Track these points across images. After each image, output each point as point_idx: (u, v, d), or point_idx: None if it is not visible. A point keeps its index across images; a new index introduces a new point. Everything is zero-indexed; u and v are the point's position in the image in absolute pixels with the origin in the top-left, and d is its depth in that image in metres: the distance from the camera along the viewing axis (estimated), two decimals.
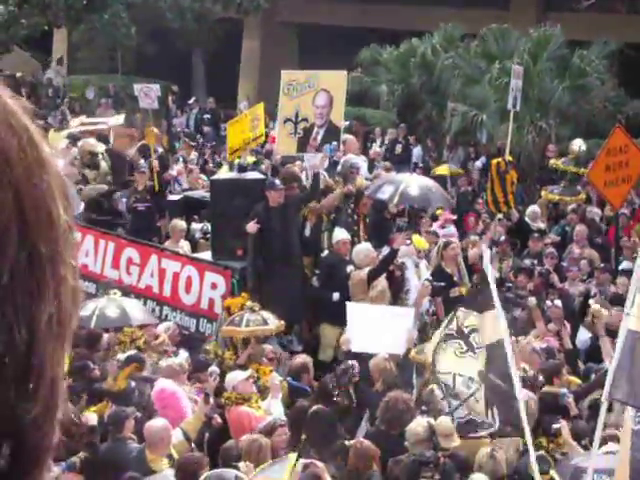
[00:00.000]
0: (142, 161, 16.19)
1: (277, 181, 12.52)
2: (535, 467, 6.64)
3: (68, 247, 0.84)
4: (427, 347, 9.87)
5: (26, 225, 0.79)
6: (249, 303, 10.68)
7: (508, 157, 13.67)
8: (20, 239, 0.79)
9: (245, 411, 8.92)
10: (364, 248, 11.98)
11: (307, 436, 8.38)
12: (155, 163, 15.68)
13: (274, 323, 10.46)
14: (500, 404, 7.22)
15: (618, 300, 12.22)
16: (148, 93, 21.20)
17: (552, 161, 18.32)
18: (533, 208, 16.28)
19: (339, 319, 11.30)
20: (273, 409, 9.08)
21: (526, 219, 15.61)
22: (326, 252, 12.43)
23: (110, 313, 10.65)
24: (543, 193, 17.17)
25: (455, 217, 15.37)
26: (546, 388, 9.27)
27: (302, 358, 10.24)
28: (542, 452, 7.71)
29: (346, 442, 8.19)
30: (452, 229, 14.67)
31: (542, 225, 16.00)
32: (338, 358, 10.94)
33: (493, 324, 7.15)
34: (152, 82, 22.26)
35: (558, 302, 11.59)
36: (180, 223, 14.26)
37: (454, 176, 19.80)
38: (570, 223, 16.06)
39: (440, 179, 18.44)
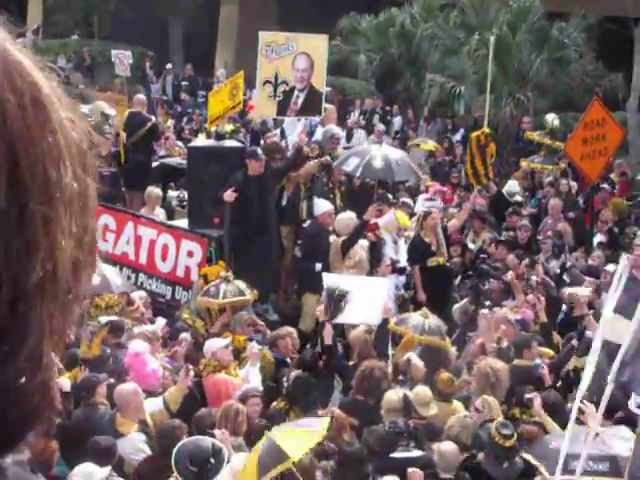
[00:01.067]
0: (107, 127, 16.00)
1: (259, 150, 12.45)
2: None
3: (72, 214, 0.82)
4: (411, 318, 9.96)
5: (19, 182, 0.78)
6: (223, 273, 10.65)
7: (486, 130, 13.65)
8: (9, 193, 0.78)
9: (223, 378, 8.93)
10: (345, 217, 11.96)
11: (290, 401, 8.49)
12: (123, 135, 15.52)
13: (250, 293, 10.45)
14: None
15: (593, 272, 12.34)
16: (122, 60, 21.13)
17: (528, 133, 18.35)
18: (511, 183, 16.35)
19: (321, 289, 11.37)
20: (250, 377, 9.09)
21: (504, 192, 15.68)
22: (309, 222, 12.37)
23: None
24: (524, 163, 17.20)
25: (445, 189, 15.37)
26: (517, 361, 9.34)
27: (285, 329, 10.20)
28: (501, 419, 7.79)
29: (319, 412, 8.24)
30: (438, 202, 14.64)
31: (519, 198, 16.08)
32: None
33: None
34: (128, 48, 22.18)
35: (541, 275, 11.69)
36: (156, 190, 14.21)
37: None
38: (546, 196, 16.14)
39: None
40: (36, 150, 0.80)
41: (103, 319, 9.72)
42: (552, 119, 17.57)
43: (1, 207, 0.77)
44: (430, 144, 19.18)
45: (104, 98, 19.43)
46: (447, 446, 7.55)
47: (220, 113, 14.84)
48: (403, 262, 12.05)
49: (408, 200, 14.44)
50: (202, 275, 11.22)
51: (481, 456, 7.62)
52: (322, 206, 12.25)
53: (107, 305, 10.35)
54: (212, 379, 8.94)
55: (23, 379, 0.80)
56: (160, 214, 13.81)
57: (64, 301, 0.83)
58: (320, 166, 13.08)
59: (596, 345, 6.07)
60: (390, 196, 13.69)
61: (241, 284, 10.47)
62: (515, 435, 7.47)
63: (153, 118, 16.82)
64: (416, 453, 7.66)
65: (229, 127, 15.52)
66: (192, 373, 8.61)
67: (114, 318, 9.81)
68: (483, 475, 7.48)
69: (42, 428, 0.85)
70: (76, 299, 0.84)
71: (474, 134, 14.04)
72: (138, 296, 11.24)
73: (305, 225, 12.41)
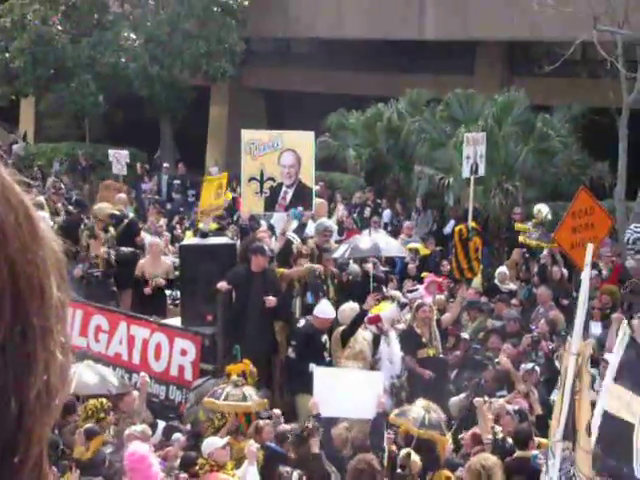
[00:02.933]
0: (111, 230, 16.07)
1: (265, 246, 12.50)
2: None
3: (59, 323, 0.84)
4: (411, 410, 9.88)
5: (20, 300, 0.80)
6: (234, 377, 10.51)
7: (471, 223, 13.68)
8: (14, 313, 0.79)
9: (218, 477, 8.81)
10: (348, 307, 11.95)
11: None
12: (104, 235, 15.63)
13: (254, 400, 10.23)
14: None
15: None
16: (119, 159, 21.56)
17: (517, 225, 18.46)
18: (501, 269, 16.39)
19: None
20: (249, 476, 8.95)
21: (495, 281, 15.70)
22: (303, 322, 12.24)
23: (88, 379, 10.50)
24: (521, 238, 17.25)
25: (440, 280, 15.33)
26: (518, 453, 9.23)
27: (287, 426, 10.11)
28: None
29: None
30: (419, 292, 14.65)
31: (512, 286, 16.11)
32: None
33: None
34: (120, 149, 22.58)
35: (534, 366, 11.63)
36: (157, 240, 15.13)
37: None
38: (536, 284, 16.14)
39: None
40: (32, 265, 0.81)
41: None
42: (546, 212, 17.65)
43: (8, 325, 0.78)
44: (415, 245, 18.96)
45: (105, 187, 19.66)
46: None
47: (206, 209, 15.09)
48: (396, 352, 11.95)
49: (396, 293, 14.48)
50: (227, 373, 11.03)
51: None
52: (324, 310, 12.02)
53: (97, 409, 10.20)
54: (208, 478, 8.81)
55: None
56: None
57: (53, 408, 0.84)
58: (311, 258, 13.12)
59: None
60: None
61: (248, 390, 10.27)
62: None
63: (130, 215, 17.12)
64: None
65: (213, 225, 15.68)
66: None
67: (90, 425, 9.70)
68: None
69: None
70: (60, 404, 0.85)
71: (457, 227, 14.13)
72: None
73: (299, 325, 12.29)
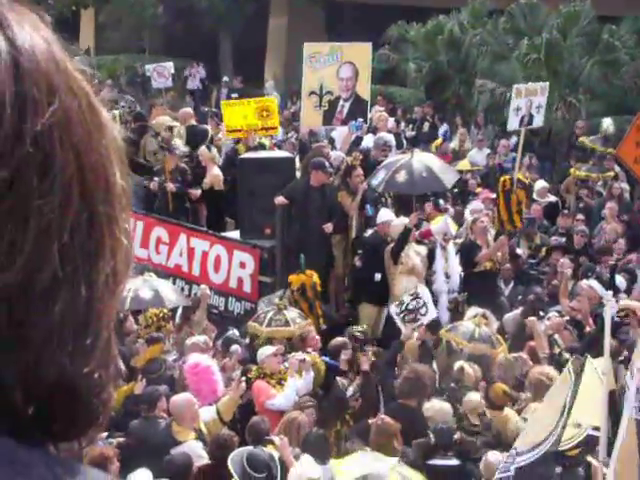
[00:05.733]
0: (175, 141, 16.06)
1: (326, 162, 12.43)
2: None
3: (122, 211, 0.87)
4: (462, 325, 9.91)
5: (86, 187, 0.82)
6: (277, 301, 10.60)
7: (518, 175, 13.20)
8: (81, 201, 0.81)
9: (257, 386, 8.98)
10: (399, 223, 11.87)
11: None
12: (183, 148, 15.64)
13: (297, 324, 10.26)
14: None
15: None
16: (162, 72, 21.23)
17: (581, 138, 18.17)
18: (540, 183, 16.21)
19: (379, 299, 11.54)
20: (287, 387, 8.98)
21: (534, 194, 15.50)
22: (369, 232, 12.24)
23: (144, 295, 10.68)
24: (571, 170, 17.05)
25: (494, 196, 15.11)
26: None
27: (341, 339, 10.15)
28: None
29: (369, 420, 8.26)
30: (480, 206, 14.52)
31: (553, 198, 15.99)
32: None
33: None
34: (180, 62, 22.35)
35: (594, 282, 11.54)
36: None
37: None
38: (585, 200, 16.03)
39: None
40: (96, 153, 0.83)
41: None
42: (607, 125, 17.33)
43: (75, 213, 0.81)
44: (465, 163, 18.61)
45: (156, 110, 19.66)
46: (492, 457, 7.49)
47: (242, 127, 14.77)
48: (454, 267, 11.94)
49: (448, 206, 14.38)
50: (288, 283, 11.19)
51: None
52: (383, 215, 12.13)
53: (158, 326, 10.44)
54: (255, 385, 9.01)
55: (97, 374, 0.85)
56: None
57: (118, 293, 0.87)
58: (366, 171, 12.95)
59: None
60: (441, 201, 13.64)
61: (291, 314, 10.30)
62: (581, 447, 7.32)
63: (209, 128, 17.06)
64: (454, 461, 7.69)
65: (266, 141, 15.45)
66: (244, 385, 8.62)
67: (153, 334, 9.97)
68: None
69: (99, 429, 0.88)
70: (124, 287, 0.89)
71: (502, 178, 13.62)
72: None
73: (365, 235, 12.32)
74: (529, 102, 13.98)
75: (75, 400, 0.83)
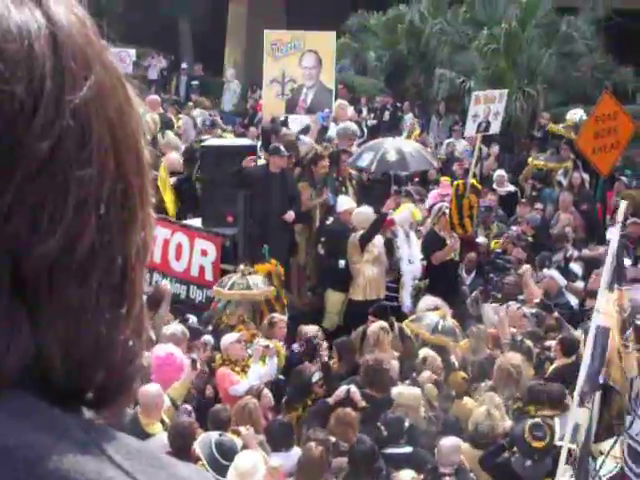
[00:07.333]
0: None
1: (282, 147, 12.43)
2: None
3: (150, 184, 0.88)
4: (426, 317, 9.98)
5: (120, 159, 0.84)
6: (242, 267, 10.66)
7: (472, 180, 13.34)
8: (116, 172, 0.83)
9: (221, 373, 8.98)
10: (363, 211, 11.93)
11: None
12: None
13: (260, 289, 10.36)
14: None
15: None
16: (123, 58, 21.12)
17: (551, 126, 18.31)
18: (499, 172, 16.47)
19: (344, 286, 11.58)
20: (251, 373, 8.98)
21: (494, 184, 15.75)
22: (331, 219, 12.32)
23: None
24: (529, 160, 17.22)
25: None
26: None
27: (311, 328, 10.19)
28: (538, 419, 7.79)
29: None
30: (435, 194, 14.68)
31: (511, 188, 16.17)
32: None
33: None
34: (139, 49, 22.21)
35: (554, 272, 11.72)
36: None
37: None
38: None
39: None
40: (127, 126, 0.85)
41: None
42: (579, 115, 17.49)
43: (111, 184, 0.82)
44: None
45: None
46: (447, 441, 7.60)
47: None
48: (416, 254, 12.04)
49: (411, 189, 14.51)
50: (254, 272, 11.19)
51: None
52: (344, 203, 12.21)
53: None
54: (218, 373, 9.01)
55: (131, 341, 0.87)
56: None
57: (145, 265, 0.89)
58: (329, 160, 13.04)
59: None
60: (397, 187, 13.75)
61: (254, 280, 10.43)
62: (547, 439, 7.44)
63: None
64: (407, 449, 7.78)
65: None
66: (199, 367, 8.61)
67: None
68: (507, 471, 7.52)
69: (129, 398, 0.90)
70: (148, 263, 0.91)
71: (455, 182, 13.76)
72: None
73: (327, 222, 12.39)
74: (487, 109, 14.08)
75: (110, 368, 0.85)
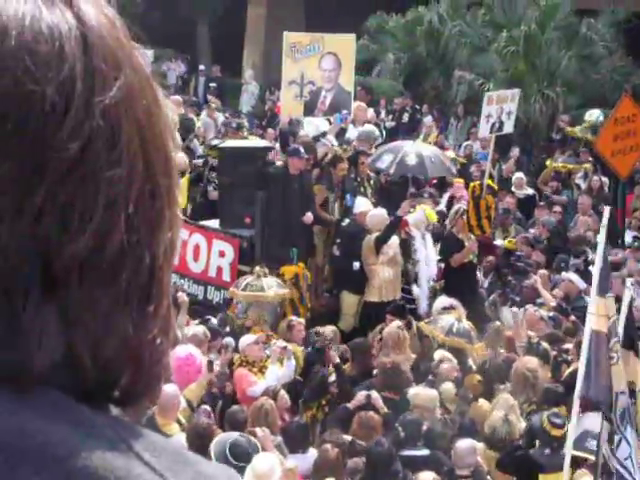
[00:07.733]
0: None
1: (301, 148, 12.43)
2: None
3: (177, 184, 0.89)
4: (442, 319, 9.97)
5: (149, 160, 0.84)
6: (258, 268, 10.67)
7: (488, 181, 13.27)
8: (145, 172, 0.84)
9: (239, 374, 9.00)
10: (378, 213, 11.92)
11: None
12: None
13: (274, 292, 10.34)
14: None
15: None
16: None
17: (569, 129, 18.28)
18: (518, 175, 16.41)
19: (359, 287, 11.58)
20: (269, 375, 9.04)
21: (513, 189, 15.69)
22: (347, 221, 12.28)
23: None
24: (548, 162, 17.17)
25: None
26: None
27: (330, 329, 10.22)
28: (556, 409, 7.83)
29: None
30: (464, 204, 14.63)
31: (530, 191, 16.13)
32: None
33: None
34: (158, 51, 22.26)
35: (573, 275, 11.70)
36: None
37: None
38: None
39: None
40: (156, 127, 0.86)
41: None
42: (597, 116, 17.44)
43: (140, 185, 0.83)
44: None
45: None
46: (462, 443, 7.60)
47: None
48: (432, 256, 12.03)
49: (432, 191, 14.50)
50: (281, 274, 11.20)
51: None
52: (361, 205, 12.18)
53: None
54: (236, 374, 9.03)
55: (159, 340, 0.87)
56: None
57: (172, 265, 0.90)
58: (349, 163, 13.05)
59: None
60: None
61: (269, 282, 10.40)
62: (566, 428, 7.41)
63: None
64: (424, 451, 7.79)
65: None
66: (217, 368, 8.62)
67: None
68: (525, 465, 7.52)
69: (156, 396, 0.90)
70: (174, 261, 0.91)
71: (472, 183, 13.73)
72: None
73: (344, 224, 12.37)
74: (500, 109, 14.06)
75: (137, 366, 0.85)
